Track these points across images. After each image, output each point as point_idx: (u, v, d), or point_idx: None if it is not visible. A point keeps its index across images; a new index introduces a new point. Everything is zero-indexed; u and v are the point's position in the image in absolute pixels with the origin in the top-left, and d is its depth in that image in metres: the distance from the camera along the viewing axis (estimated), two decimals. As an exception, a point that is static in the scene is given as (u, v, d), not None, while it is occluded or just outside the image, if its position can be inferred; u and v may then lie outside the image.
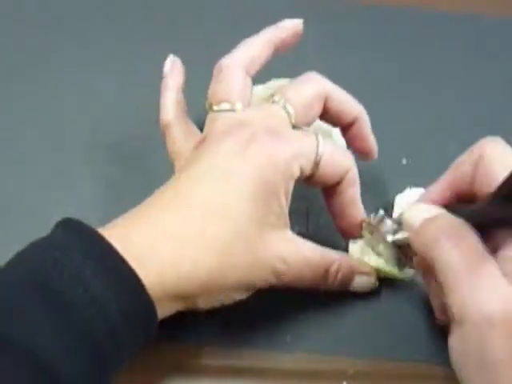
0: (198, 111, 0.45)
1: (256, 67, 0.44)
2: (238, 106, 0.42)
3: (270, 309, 0.44)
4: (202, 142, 0.42)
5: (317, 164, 0.41)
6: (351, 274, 0.43)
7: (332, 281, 0.42)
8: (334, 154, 0.42)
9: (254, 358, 0.43)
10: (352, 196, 0.43)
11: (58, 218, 0.38)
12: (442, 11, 0.60)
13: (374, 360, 0.43)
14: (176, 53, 0.46)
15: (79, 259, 0.35)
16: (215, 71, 0.44)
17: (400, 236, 0.42)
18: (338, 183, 0.43)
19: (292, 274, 0.40)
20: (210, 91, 0.44)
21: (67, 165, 0.50)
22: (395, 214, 0.47)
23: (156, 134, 0.46)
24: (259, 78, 0.45)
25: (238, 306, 0.41)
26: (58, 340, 0.33)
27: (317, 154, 0.41)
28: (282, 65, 0.45)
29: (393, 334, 0.44)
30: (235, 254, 0.38)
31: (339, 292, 0.44)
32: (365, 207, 0.44)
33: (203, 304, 0.40)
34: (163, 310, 0.37)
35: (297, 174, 0.40)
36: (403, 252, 0.43)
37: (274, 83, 0.49)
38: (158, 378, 0.42)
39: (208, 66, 0.44)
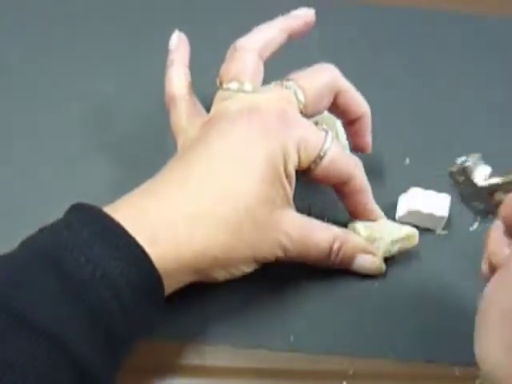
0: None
1: (269, 52, 0.45)
2: (248, 86, 0.43)
3: (270, 308, 0.44)
4: (210, 120, 0.42)
5: (319, 159, 0.42)
6: (354, 252, 0.44)
7: (334, 257, 0.43)
8: (339, 155, 0.42)
9: (254, 357, 0.43)
10: (358, 201, 0.44)
11: (57, 218, 0.38)
12: (442, 11, 0.60)
13: (374, 360, 0.43)
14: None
15: (87, 238, 0.35)
16: (229, 51, 0.45)
17: (493, 181, 0.43)
18: (342, 187, 0.44)
19: (297, 249, 0.42)
20: (222, 69, 0.44)
21: (68, 164, 0.50)
22: (398, 214, 0.48)
23: (159, 133, 0.46)
24: (264, 79, 0.45)
25: (239, 306, 0.42)
26: (71, 317, 0.34)
27: (321, 149, 0.42)
28: (284, 64, 0.44)
29: (393, 334, 0.44)
30: (246, 231, 0.40)
31: (340, 291, 0.44)
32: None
33: (215, 276, 0.41)
34: (177, 283, 0.39)
35: (295, 161, 0.41)
36: (488, 200, 0.44)
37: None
38: (159, 378, 0.42)
39: (209, 63, 0.45)
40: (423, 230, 0.47)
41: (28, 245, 0.36)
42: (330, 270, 0.45)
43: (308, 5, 0.46)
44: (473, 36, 0.59)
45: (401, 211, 0.48)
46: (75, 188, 0.48)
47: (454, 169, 0.48)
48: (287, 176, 0.41)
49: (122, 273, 0.35)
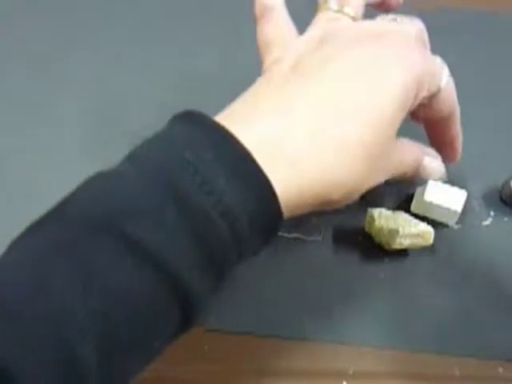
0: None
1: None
2: (358, 14, 0.42)
3: (271, 308, 0.44)
4: (322, 41, 0.40)
5: (438, 92, 0.41)
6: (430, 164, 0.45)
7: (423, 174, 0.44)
8: (452, 86, 0.42)
9: (254, 357, 0.42)
10: (453, 129, 0.44)
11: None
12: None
13: (373, 360, 0.42)
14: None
15: (211, 163, 0.33)
16: None
17: None
18: (446, 118, 0.44)
19: (405, 173, 0.43)
20: None
21: (69, 162, 0.49)
22: (413, 204, 0.47)
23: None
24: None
25: (240, 306, 0.42)
26: (184, 247, 0.32)
27: (440, 80, 0.41)
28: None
29: (406, 325, 0.44)
30: (376, 159, 0.38)
31: (341, 291, 0.44)
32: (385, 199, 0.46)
33: (333, 207, 0.39)
34: (292, 213, 0.36)
35: (423, 95, 0.40)
36: None
37: None
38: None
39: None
40: (436, 224, 0.47)
41: (140, 160, 0.34)
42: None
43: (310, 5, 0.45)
44: (485, 33, 0.58)
45: (415, 201, 0.47)
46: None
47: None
48: (411, 107, 0.40)
49: (245, 210, 0.33)
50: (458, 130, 0.45)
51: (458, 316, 0.44)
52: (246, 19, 0.45)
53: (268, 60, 0.41)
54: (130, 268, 0.30)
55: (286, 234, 0.46)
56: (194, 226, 0.32)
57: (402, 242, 0.44)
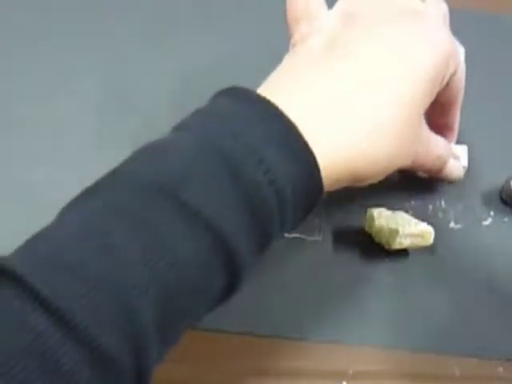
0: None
1: None
2: None
3: (271, 308, 0.44)
4: (353, 18, 0.40)
5: (455, 73, 0.42)
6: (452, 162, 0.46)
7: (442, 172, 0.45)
8: (464, 67, 0.43)
9: (254, 357, 0.42)
10: (454, 114, 0.45)
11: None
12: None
13: (373, 360, 0.42)
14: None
15: (259, 135, 0.34)
16: None
17: None
18: (448, 102, 0.44)
19: (426, 164, 0.43)
20: None
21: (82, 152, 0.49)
22: None
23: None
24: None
25: (240, 306, 0.41)
26: (235, 215, 0.33)
27: (458, 62, 0.42)
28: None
29: (406, 326, 0.44)
30: (407, 139, 0.39)
31: (341, 291, 0.44)
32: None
33: (364, 183, 0.39)
34: (328, 190, 0.37)
35: (447, 78, 0.41)
36: None
37: None
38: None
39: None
40: (437, 224, 0.46)
41: (190, 131, 0.35)
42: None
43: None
44: (487, 35, 0.58)
45: None
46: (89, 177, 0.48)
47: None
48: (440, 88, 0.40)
49: (290, 182, 0.34)
50: (459, 111, 0.45)
51: (458, 316, 0.44)
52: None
53: (297, 35, 0.41)
54: (185, 231, 0.31)
55: (286, 234, 0.46)
56: (246, 195, 0.33)
57: (402, 242, 0.44)
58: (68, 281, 0.29)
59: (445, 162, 0.45)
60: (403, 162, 0.39)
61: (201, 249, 0.32)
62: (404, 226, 0.44)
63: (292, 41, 0.42)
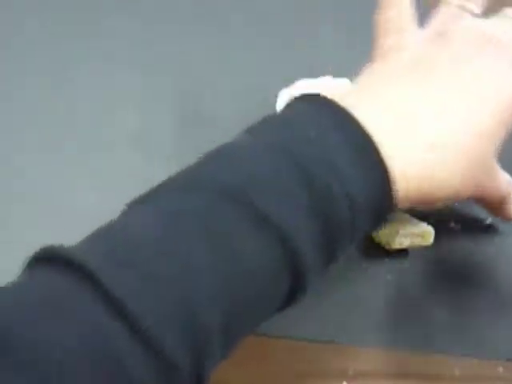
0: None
1: None
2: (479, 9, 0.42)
3: None
4: (443, 39, 0.40)
5: None
6: None
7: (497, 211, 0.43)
8: None
9: (254, 357, 0.42)
10: None
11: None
12: None
13: (373, 360, 0.42)
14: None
15: (337, 144, 0.34)
16: None
17: None
18: None
19: (486, 198, 0.42)
20: None
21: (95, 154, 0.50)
22: (278, 105, 0.46)
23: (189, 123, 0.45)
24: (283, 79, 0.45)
25: None
26: (310, 227, 0.33)
27: None
28: (298, 64, 0.43)
29: (406, 325, 0.43)
30: (477, 169, 0.38)
31: (341, 291, 0.44)
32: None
33: (432, 206, 0.40)
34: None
35: None
36: None
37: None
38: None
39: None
40: (437, 224, 0.46)
41: (265, 135, 0.35)
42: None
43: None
44: None
45: (281, 101, 0.45)
46: (101, 179, 0.48)
47: None
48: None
49: (365, 196, 0.34)
50: None
51: (458, 316, 0.44)
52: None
53: (383, 44, 0.41)
54: (256, 239, 0.32)
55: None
56: (320, 205, 0.33)
57: (402, 242, 0.44)
58: (138, 284, 0.29)
59: (503, 200, 0.43)
60: (470, 190, 0.39)
61: (270, 257, 0.32)
62: (404, 226, 0.44)
63: (375, 47, 0.42)
